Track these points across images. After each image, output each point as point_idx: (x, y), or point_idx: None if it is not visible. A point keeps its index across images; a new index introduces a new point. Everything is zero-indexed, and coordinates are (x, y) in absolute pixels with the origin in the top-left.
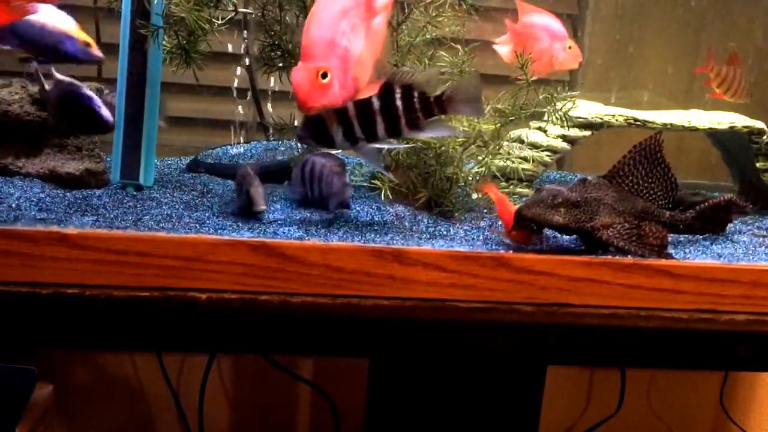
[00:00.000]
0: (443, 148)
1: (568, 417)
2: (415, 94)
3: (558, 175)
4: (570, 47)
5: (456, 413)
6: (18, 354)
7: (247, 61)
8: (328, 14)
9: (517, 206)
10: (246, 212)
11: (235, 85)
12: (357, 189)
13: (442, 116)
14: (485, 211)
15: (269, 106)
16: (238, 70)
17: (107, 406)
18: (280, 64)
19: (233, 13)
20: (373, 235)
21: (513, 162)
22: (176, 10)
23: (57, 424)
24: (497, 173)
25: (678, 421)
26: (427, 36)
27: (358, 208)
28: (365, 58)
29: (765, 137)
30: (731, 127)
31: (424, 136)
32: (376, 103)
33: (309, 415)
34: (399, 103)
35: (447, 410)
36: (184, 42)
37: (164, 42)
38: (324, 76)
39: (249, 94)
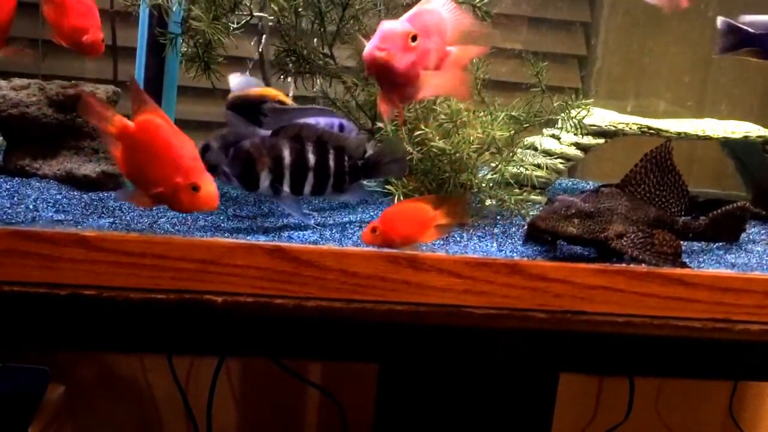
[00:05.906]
0: (458, 155)
1: (577, 425)
2: (346, 158)
3: (570, 183)
4: None
5: (467, 420)
6: (32, 354)
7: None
8: (433, 17)
9: (530, 217)
10: None
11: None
12: (371, 194)
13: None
14: (499, 217)
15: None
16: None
17: (118, 408)
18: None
19: (249, 17)
20: None
21: (526, 169)
22: (197, 25)
23: (68, 425)
24: (511, 180)
25: (687, 431)
26: None
27: (372, 213)
28: (432, 79)
29: None
30: (745, 137)
31: (343, 198)
32: (311, 159)
33: (317, 419)
34: (331, 164)
35: (457, 417)
36: (203, 52)
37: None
38: (414, 39)
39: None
